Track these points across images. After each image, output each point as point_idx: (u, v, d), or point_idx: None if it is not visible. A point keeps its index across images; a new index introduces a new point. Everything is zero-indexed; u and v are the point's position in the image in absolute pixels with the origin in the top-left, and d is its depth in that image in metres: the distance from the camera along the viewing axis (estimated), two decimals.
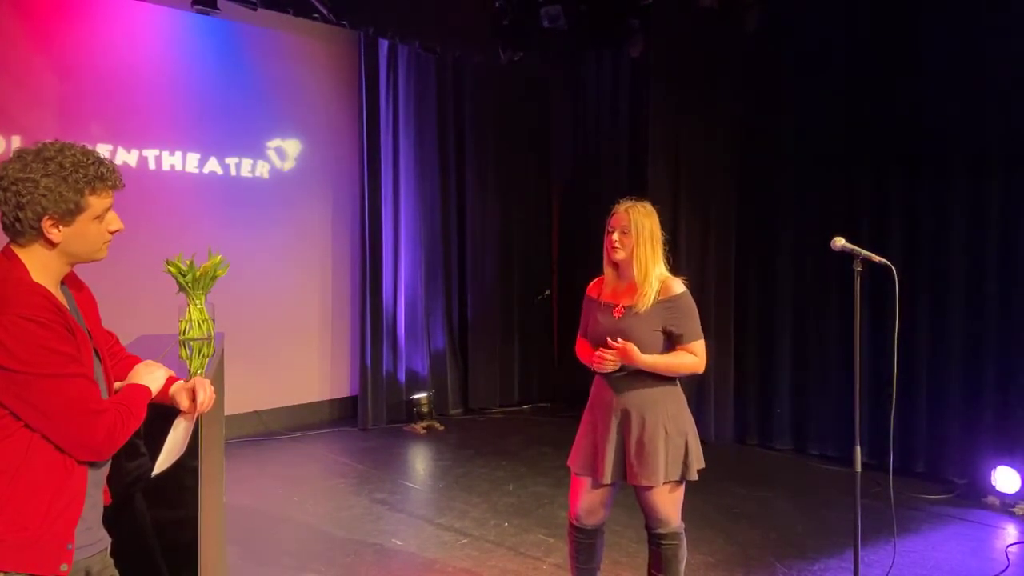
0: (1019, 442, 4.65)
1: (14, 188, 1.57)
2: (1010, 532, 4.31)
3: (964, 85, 4.86)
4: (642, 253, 2.76)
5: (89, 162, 1.63)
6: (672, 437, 2.76)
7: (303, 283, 6.52)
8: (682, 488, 2.84)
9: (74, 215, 1.61)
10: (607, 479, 2.81)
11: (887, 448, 3.07)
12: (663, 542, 2.86)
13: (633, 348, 2.71)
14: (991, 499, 4.70)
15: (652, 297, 2.75)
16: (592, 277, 3.03)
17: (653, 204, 2.88)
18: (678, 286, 2.79)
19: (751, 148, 5.98)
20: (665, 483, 2.76)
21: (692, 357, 2.78)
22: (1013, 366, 4.72)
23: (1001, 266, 4.78)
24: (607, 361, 2.75)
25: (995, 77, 4.74)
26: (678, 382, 2.85)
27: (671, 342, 2.79)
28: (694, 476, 2.81)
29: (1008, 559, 3.94)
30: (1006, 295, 4.76)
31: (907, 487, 4.86)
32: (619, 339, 2.73)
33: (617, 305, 2.82)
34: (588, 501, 2.91)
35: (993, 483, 4.71)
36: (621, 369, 2.79)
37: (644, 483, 2.76)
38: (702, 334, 2.82)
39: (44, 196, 1.57)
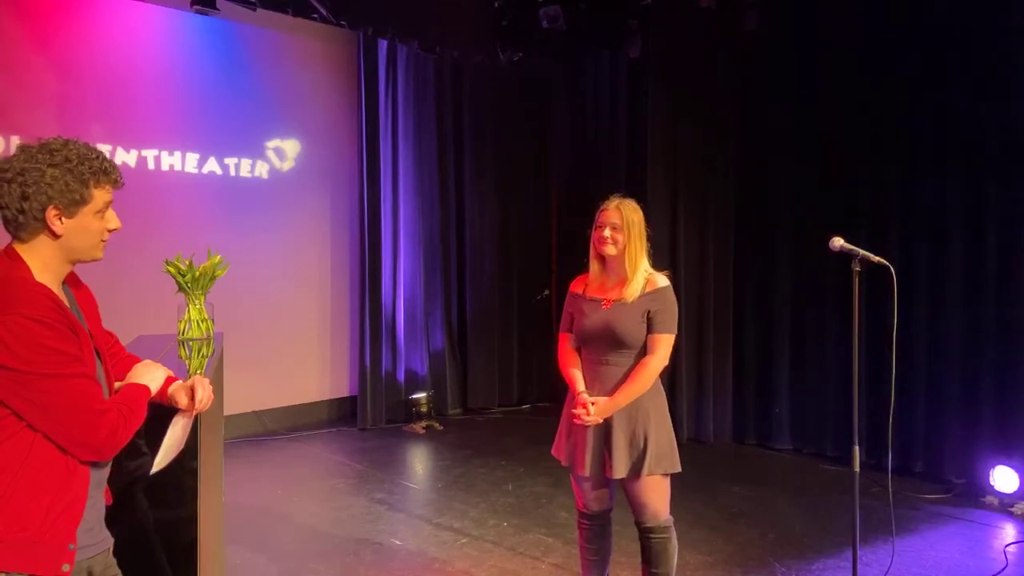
0: (1017, 442, 4.65)
1: (20, 179, 1.58)
2: (1008, 532, 4.32)
3: (963, 85, 4.87)
4: (633, 249, 2.84)
5: (93, 156, 1.66)
6: (656, 431, 2.83)
7: (302, 283, 6.52)
8: (668, 481, 2.90)
9: (78, 206, 1.63)
10: (586, 471, 2.87)
11: (886, 448, 3.08)
12: (653, 536, 2.91)
13: (603, 402, 2.78)
14: (989, 499, 4.70)
15: (640, 289, 2.83)
16: None
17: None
18: (662, 280, 2.88)
19: (750, 148, 5.99)
20: (650, 476, 2.81)
21: (652, 365, 2.81)
22: (1011, 366, 4.72)
23: (999, 266, 4.78)
24: (588, 420, 2.80)
25: (994, 76, 4.74)
26: (658, 377, 2.89)
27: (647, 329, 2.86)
28: (678, 467, 2.87)
29: (1007, 558, 3.94)
30: (1004, 295, 4.76)
31: (905, 487, 4.87)
32: (591, 402, 2.79)
33: (605, 299, 2.89)
34: (589, 489, 2.99)
35: (991, 483, 4.72)
36: (606, 362, 2.85)
37: (628, 476, 2.82)
38: (675, 330, 2.87)
39: (50, 185, 1.59)
